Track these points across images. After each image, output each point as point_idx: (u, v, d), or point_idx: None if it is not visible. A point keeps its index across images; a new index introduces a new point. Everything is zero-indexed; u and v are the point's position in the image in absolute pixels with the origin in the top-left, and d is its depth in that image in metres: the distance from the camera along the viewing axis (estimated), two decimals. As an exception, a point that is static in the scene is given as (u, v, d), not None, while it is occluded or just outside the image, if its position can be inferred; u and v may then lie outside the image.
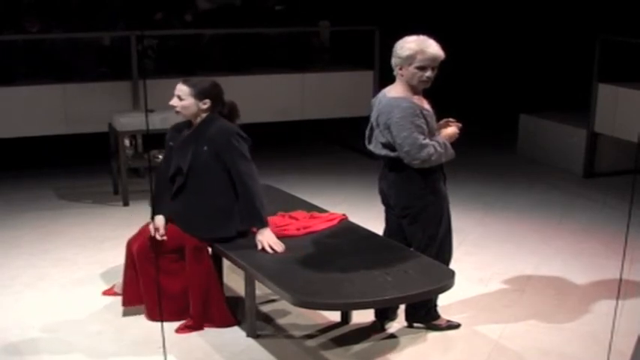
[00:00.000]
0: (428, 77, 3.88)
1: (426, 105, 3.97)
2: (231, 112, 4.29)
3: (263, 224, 4.08)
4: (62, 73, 7.44)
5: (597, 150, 7.60)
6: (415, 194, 3.96)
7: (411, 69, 3.86)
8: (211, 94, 4.17)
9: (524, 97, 9.66)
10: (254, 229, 4.15)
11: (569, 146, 7.76)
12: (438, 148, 3.86)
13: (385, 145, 3.93)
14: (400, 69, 3.90)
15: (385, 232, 4.27)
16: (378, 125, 3.96)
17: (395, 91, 3.94)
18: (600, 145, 7.59)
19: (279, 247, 4.01)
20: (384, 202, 4.18)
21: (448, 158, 3.96)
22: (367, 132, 4.11)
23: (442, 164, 3.99)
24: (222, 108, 4.24)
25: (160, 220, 4.16)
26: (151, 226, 4.14)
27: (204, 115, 4.17)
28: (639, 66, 7.18)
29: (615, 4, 9.36)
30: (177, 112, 4.20)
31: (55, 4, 8.13)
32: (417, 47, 3.83)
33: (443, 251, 4.08)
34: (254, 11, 8.89)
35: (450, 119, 4.12)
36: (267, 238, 4.05)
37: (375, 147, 4.03)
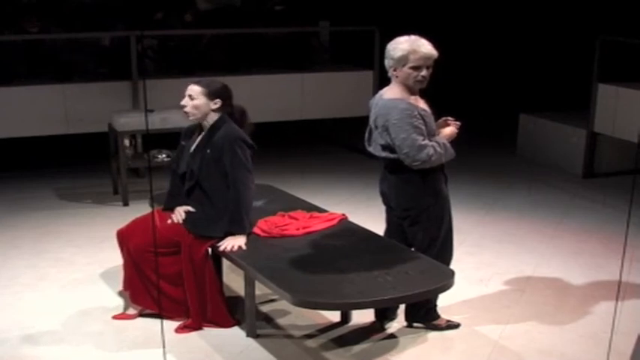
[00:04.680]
0: (423, 77, 3.86)
1: (423, 105, 3.95)
2: (241, 117, 4.30)
3: (241, 231, 4.11)
4: (62, 73, 7.45)
5: (597, 150, 7.60)
6: (416, 196, 3.95)
7: (406, 69, 3.84)
8: (222, 94, 4.19)
9: (524, 97, 9.67)
10: (253, 230, 4.20)
11: (569, 146, 7.77)
12: (438, 149, 3.85)
13: (385, 147, 3.92)
14: (394, 70, 3.89)
15: (386, 233, 4.27)
16: (376, 127, 3.96)
17: (391, 92, 3.93)
18: (600, 145, 7.59)
19: (240, 249, 4.05)
20: (386, 203, 4.18)
21: (448, 158, 3.95)
22: (366, 134, 4.10)
23: (443, 165, 3.99)
24: (231, 110, 4.25)
25: (178, 208, 4.25)
26: (174, 216, 4.20)
27: (214, 116, 4.18)
28: (639, 66, 7.18)
29: (615, 4, 9.37)
30: (186, 113, 4.19)
31: (54, 4, 8.14)
32: (410, 47, 3.82)
33: (444, 252, 4.07)
34: (254, 11, 8.90)
35: (449, 118, 4.11)
36: (234, 241, 4.07)
37: (374, 149, 4.02)
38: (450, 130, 4.04)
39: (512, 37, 10.71)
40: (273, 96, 7.88)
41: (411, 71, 3.84)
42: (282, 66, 8.39)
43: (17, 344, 4.08)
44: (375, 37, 7.99)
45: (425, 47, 3.83)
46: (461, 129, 4.09)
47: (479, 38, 10.81)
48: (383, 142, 3.92)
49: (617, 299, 4.51)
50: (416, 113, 3.82)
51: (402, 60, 3.83)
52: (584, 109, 7.59)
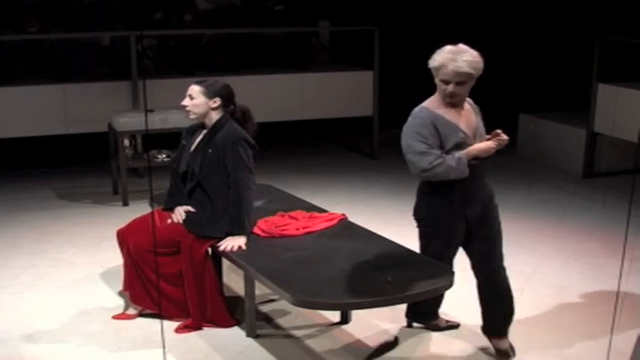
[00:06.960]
0: (450, 92, 3.62)
1: (455, 118, 3.69)
2: (244, 116, 4.31)
3: (242, 231, 4.11)
4: (62, 73, 7.45)
5: (597, 150, 7.60)
6: (419, 205, 3.88)
7: (437, 81, 3.69)
8: (221, 93, 4.20)
9: (524, 97, 9.66)
10: (253, 230, 4.20)
11: (569, 146, 7.76)
12: (448, 161, 3.63)
13: None
14: (435, 78, 3.72)
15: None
16: None
17: (427, 100, 3.78)
18: (600, 145, 7.59)
19: (240, 249, 4.05)
20: None
21: (457, 176, 3.67)
22: None
23: (466, 189, 3.81)
24: (233, 110, 4.26)
25: (178, 207, 4.25)
26: (173, 216, 4.20)
27: (215, 115, 4.19)
28: (639, 66, 7.18)
29: (615, 4, 9.37)
30: (188, 112, 4.21)
31: (54, 4, 8.14)
32: (442, 60, 3.60)
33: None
34: (254, 11, 8.90)
35: (498, 130, 3.86)
36: (235, 241, 4.07)
37: None
38: (485, 144, 3.79)
39: (512, 38, 10.71)
40: (273, 96, 7.88)
41: (440, 83, 3.67)
42: (282, 66, 8.39)
43: (17, 344, 4.08)
44: (375, 37, 7.99)
45: (456, 63, 3.55)
46: (505, 145, 3.86)
47: (479, 38, 10.80)
48: None
49: (617, 299, 4.51)
50: (428, 123, 3.64)
51: (434, 71, 3.67)
52: (584, 109, 7.59)
